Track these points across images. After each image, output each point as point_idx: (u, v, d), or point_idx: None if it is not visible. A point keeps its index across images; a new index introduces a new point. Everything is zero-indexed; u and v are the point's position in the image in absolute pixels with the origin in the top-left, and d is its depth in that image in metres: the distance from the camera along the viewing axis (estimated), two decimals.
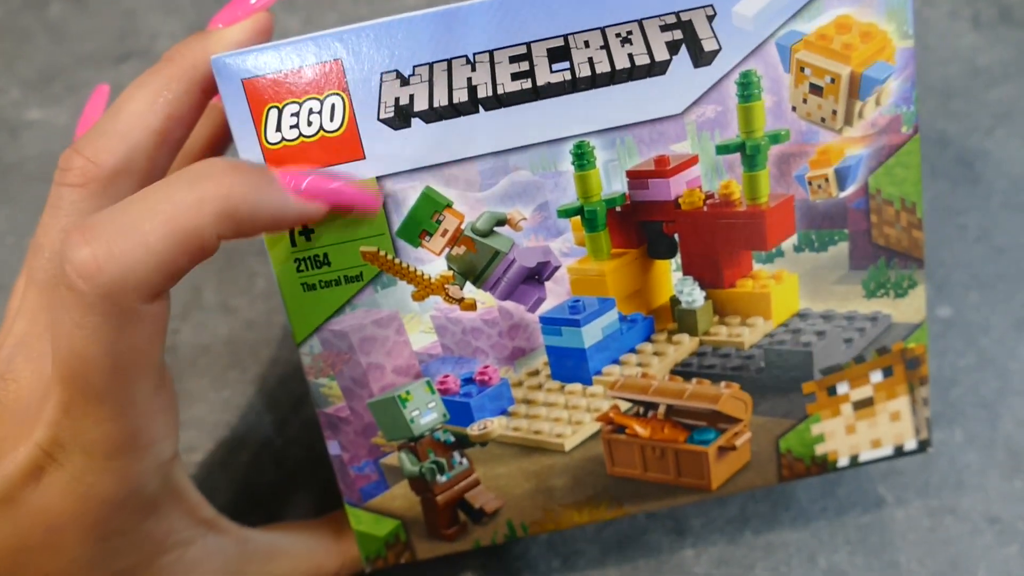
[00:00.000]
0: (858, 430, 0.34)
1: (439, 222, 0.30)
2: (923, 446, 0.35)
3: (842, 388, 0.34)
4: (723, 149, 0.31)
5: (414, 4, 0.50)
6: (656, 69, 0.29)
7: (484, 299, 0.32)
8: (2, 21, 0.52)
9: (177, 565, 0.31)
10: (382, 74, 0.29)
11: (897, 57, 0.30)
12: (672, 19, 0.29)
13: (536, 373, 0.33)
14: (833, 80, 0.30)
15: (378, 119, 0.29)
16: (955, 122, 0.47)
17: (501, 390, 0.33)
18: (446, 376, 0.33)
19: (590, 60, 0.29)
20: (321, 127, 0.29)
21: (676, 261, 0.32)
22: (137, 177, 0.30)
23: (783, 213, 0.31)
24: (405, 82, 0.29)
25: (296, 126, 0.29)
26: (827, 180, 0.31)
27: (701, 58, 0.29)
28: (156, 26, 0.51)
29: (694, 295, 0.32)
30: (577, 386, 0.33)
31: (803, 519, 0.39)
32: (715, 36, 0.29)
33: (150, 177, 0.30)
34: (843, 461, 0.35)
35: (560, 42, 0.29)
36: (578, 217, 0.31)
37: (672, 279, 0.32)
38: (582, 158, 0.30)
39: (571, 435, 0.33)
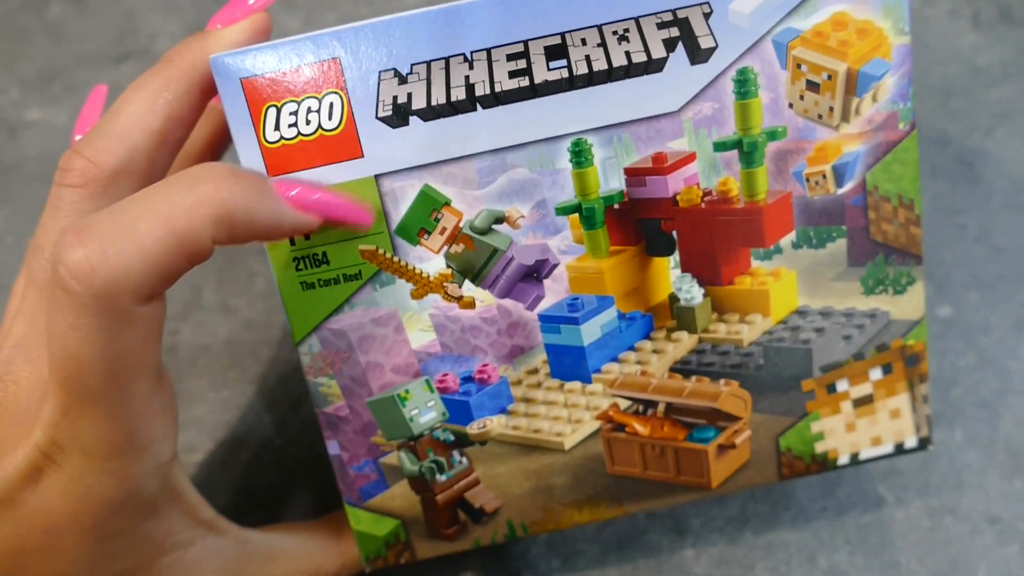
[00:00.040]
0: (858, 428, 0.34)
1: (437, 220, 0.31)
2: (924, 444, 0.35)
3: (842, 385, 0.33)
4: (720, 146, 0.31)
5: (414, 3, 0.50)
6: (653, 66, 0.29)
7: (483, 297, 0.32)
8: (1, 21, 0.52)
9: (176, 566, 0.31)
10: (380, 73, 0.29)
11: (893, 54, 0.30)
12: (669, 17, 0.29)
13: (535, 371, 0.33)
14: (830, 77, 0.30)
15: (376, 117, 0.29)
16: (955, 122, 0.47)
17: (500, 388, 0.33)
18: (445, 375, 0.33)
19: (587, 58, 0.29)
20: (319, 126, 0.29)
21: (674, 258, 0.32)
22: (137, 178, 0.30)
23: (781, 210, 0.31)
24: (403, 80, 0.29)
25: (295, 125, 0.29)
26: (825, 177, 0.31)
27: (698, 55, 0.29)
28: (155, 26, 0.51)
29: (693, 292, 0.32)
30: (576, 384, 0.33)
31: (803, 519, 0.39)
32: (712, 33, 0.29)
33: (150, 178, 0.30)
34: (843, 459, 0.35)
35: (557, 40, 0.29)
36: (576, 215, 0.31)
37: (670, 276, 0.32)
38: (580, 155, 0.30)
39: (570, 434, 0.33)
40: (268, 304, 0.45)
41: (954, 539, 0.38)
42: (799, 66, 0.30)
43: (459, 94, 0.29)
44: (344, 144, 0.29)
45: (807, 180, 0.31)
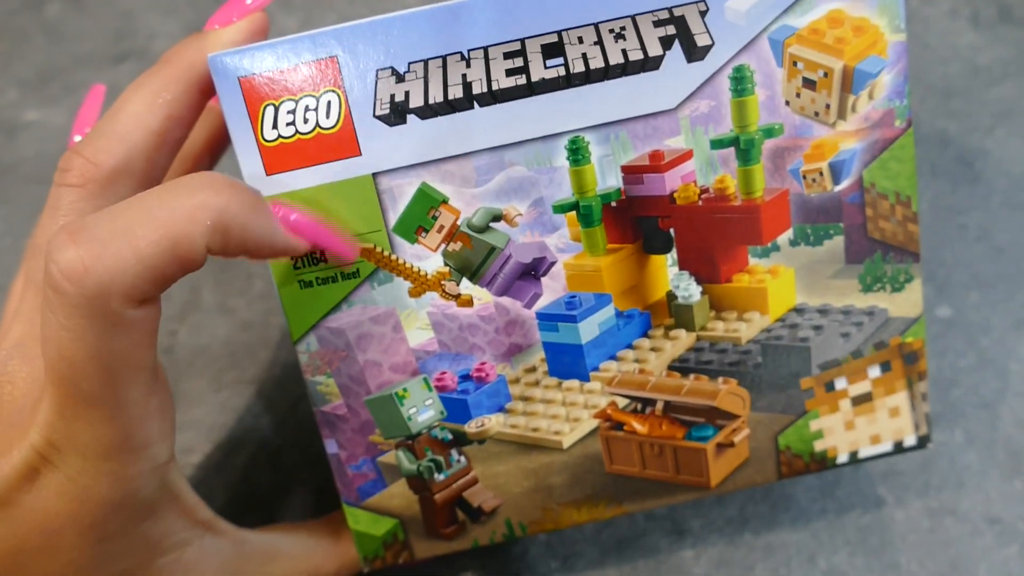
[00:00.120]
0: (857, 426, 0.34)
1: (435, 218, 0.31)
2: (923, 442, 0.35)
3: (840, 384, 0.33)
4: (717, 144, 0.31)
5: (412, 3, 0.50)
6: (649, 64, 0.29)
7: (481, 295, 0.32)
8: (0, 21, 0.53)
9: (174, 567, 0.31)
10: (377, 71, 0.29)
11: (889, 51, 0.30)
12: (665, 14, 0.29)
13: (533, 370, 0.33)
14: (826, 74, 0.30)
15: (374, 116, 0.29)
16: (955, 121, 0.47)
17: (498, 387, 0.33)
18: (443, 373, 0.33)
19: (584, 56, 0.29)
20: (317, 124, 0.29)
21: (672, 256, 0.32)
22: (136, 178, 0.30)
23: (778, 207, 0.31)
24: (400, 79, 0.29)
25: (292, 123, 0.29)
26: (821, 174, 0.31)
27: (694, 53, 0.30)
28: (153, 26, 0.51)
29: (690, 290, 0.32)
30: (574, 383, 0.33)
31: (803, 520, 0.39)
32: (708, 31, 0.29)
33: (149, 178, 0.30)
34: (842, 457, 0.34)
35: (554, 38, 0.29)
36: (574, 212, 0.31)
37: (668, 274, 0.32)
38: (577, 153, 0.30)
39: (569, 432, 0.33)
40: (266, 305, 0.45)
41: (954, 540, 0.38)
42: (795, 63, 0.30)
43: (456, 92, 0.29)
44: (342, 142, 0.30)
45: (804, 177, 0.31)
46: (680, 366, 0.33)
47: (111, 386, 0.26)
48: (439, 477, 0.33)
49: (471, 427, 0.33)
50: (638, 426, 0.33)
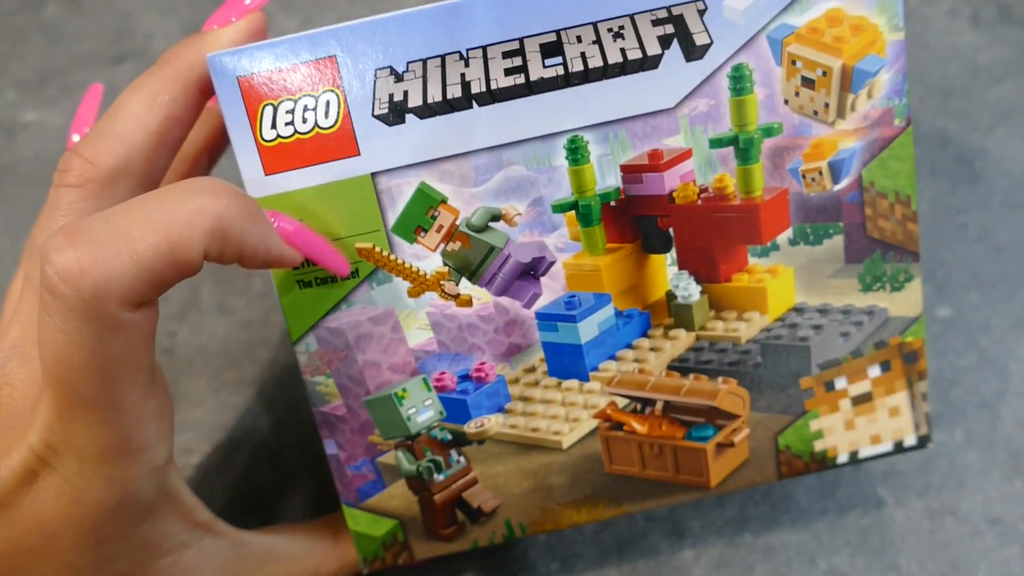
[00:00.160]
0: (857, 426, 0.34)
1: (434, 218, 0.31)
2: (923, 442, 0.35)
3: (840, 383, 0.33)
4: (716, 143, 0.31)
5: (412, 3, 0.50)
6: (648, 63, 0.29)
7: (480, 295, 0.32)
8: None
9: (173, 569, 0.31)
10: (376, 71, 0.29)
11: (888, 50, 0.30)
12: (663, 13, 0.29)
13: (532, 370, 0.33)
14: (825, 73, 0.30)
15: (372, 115, 0.29)
16: (955, 121, 0.47)
17: (497, 387, 0.33)
18: (442, 373, 0.33)
19: (582, 55, 0.29)
20: (316, 124, 0.29)
21: (671, 256, 0.32)
22: (135, 178, 0.30)
23: (777, 206, 0.31)
24: (399, 78, 0.29)
25: (291, 123, 0.29)
26: (821, 173, 0.31)
27: (693, 52, 0.29)
28: (152, 27, 0.51)
29: (690, 290, 0.32)
30: (574, 383, 0.33)
31: (803, 521, 0.39)
32: (706, 30, 0.29)
33: (148, 178, 0.30)
34: (843, 457, 0.34)
35: (552, 37, 0.29)
36: (573, 212, 0.31)
37: (667, 274, 0.32)
38: (576, 152, 0.30)
39: (568, 432, 0.33)
40: (266, 305, 0.45)
41: (954, 540, 0.38)
42: (794, 62, 0.30)
43: (455, 92, 0.29)
44: (341, 142, 0.30)
45: (803, 177, 0.31)
46: (680, 366, 0.33)
47: (108, 389, 0.26)
48: (438, 478, 0.33)
49: (470, 427, 0.33)
50: (638, 426, 0.33)
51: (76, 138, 0.35)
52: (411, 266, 0.31)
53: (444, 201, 0.30)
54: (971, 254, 0.44)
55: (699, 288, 0.32)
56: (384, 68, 0.29)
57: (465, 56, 0.29)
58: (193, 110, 0.30)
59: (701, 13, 0.29)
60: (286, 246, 0.28)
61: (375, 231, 0.30)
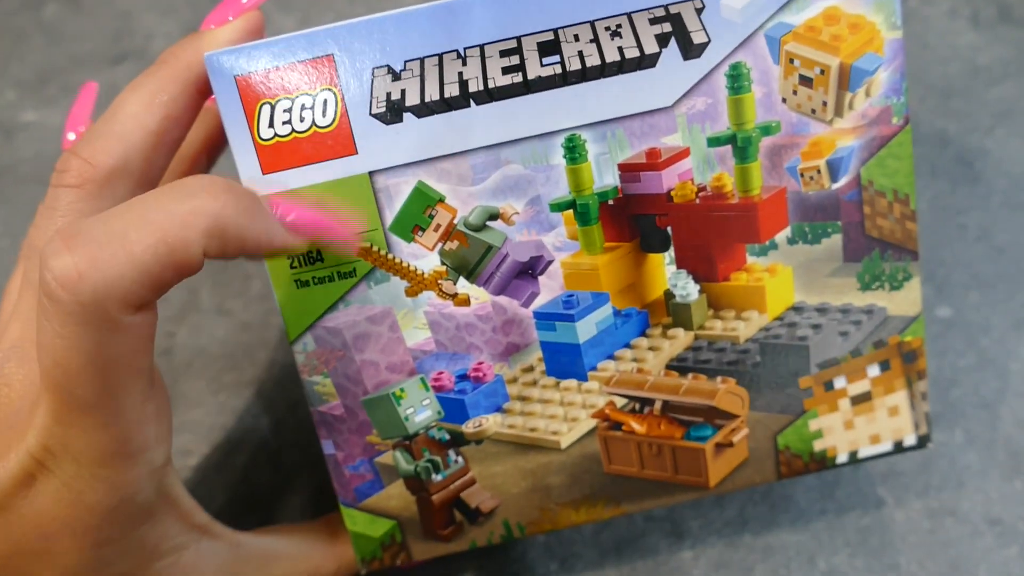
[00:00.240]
0: (856, 425, 0.34)
1: (432, 217, 0.31)
2: (923, 441, 0.35)
3: (839, 383, 0.33)
4: (714, 141, 0.31)
5: (410, 1, 0.50)
6: (646, 62, 0.29)
7: (478, 294, 0.32)
8: None
9: (171, 570, 0.31)
10: (374, 69, 0.29)
11: (886, 48, 0.30)
12: (661, 12, 0.29)
13: (531, 369, 0.33)
14: (823, 71, 0.30)
15: (370, 114, 0.29)
16: (955, 121, 0.47)
17: (495, 387, 0.33)
18: (440, 373, 0.33)
19: (580, 54, 0.29)
20: (313, 122, 0.29)
21: (670, 255, 0.32)
22: (134, 178, 0.30)
23: (776, 205, 0.31)
24: (396, 77, 0.29)
25: (289, 122, 0.29)
26: (819, 172, 0.31)
27: (690, 51, 0.29)
28: (151, 27, 0.52)
29: (688, 289, 0.32)
30: (572, 382, 0.33)
31: (802, 521, 0.39)
32: (704, 29, 0.29)
33: (147, 178, 0.30)
34: (842, 457, 0.34)
35: (550, 36, 0.29)
36: (570, 211, 0.31)
37: (666, 273, 0.32)
38: (573, 151, 0.30)
39: (567, 432, 0.33)
40: (265, 306, 0.45)
41: (954, 541, 0.38)
42: (792, 61, 0.30)
43: (453, 90, 0.29)
44: (338, 141, 0.30)
45: (801, 175, 0.31)
46: (678, 365, 0.33)
47: (107, 392, 0.26)
48: (437, 478, 0.33)
49: (469, 427, 0.33)
50: (636, 426, 0.33)
51: (71, 136, 0.35)
52: (409, 265, 0.31)
53: (442, 200, 0.30)
54: (971, 254, 0.44)
55: (697, 287, 0.32)
56: (382, 67, 0.29)
57: (463, 55, 0.29)
58: (192, 110, 0.30)
59: (699, 11, 0.29)
60: (289, 234, 0.28)
61: (373, 230, 0.30)
